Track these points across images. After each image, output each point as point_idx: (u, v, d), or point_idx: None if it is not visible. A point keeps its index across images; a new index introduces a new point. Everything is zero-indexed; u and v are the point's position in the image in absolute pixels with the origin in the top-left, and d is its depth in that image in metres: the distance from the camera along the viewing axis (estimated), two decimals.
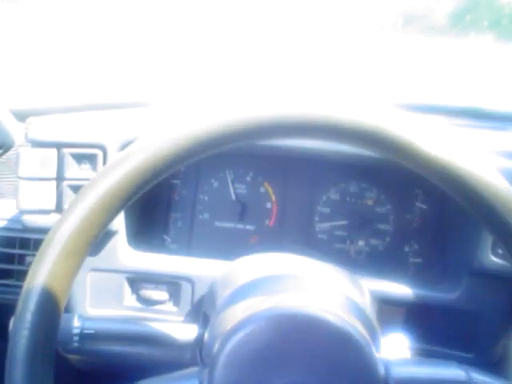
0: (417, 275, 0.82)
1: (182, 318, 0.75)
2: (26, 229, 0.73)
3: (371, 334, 0.54)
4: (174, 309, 0.75)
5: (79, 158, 0.71)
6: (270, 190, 0.86)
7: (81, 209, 0.43)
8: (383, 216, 0.85)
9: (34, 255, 0.44)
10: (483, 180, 0.43)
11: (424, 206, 0.84)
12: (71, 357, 0.65)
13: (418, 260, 0.83)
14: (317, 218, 0.85)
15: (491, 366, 0.73)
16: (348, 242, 0.85)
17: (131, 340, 0.63)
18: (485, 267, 0.70)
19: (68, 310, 0.75)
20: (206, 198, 0.87)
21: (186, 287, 0.75)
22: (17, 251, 0.83)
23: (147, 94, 0.95)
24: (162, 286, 0.76)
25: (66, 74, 1.16)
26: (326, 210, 0.85)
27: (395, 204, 0.84)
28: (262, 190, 0.86)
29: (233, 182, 0.86)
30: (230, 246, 0.85)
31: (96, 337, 0.62)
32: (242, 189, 0.86)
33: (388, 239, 0.84)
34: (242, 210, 0.86)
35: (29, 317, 0.42)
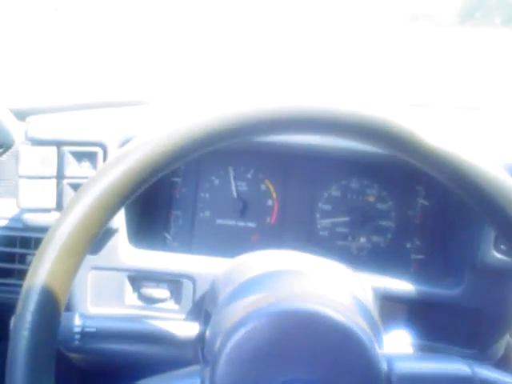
0: (419, 272, 0.82)
1: (183, 316, 0.75)
2: (27, 227, 0.73)
3: (373, 331, 0.54)
4: (176, 307, 0.75)
5: (79, 156, 0.71)
6: (271, 188, 0.86)
7: (80, 207, 0.43)
8: (385, 212, 0.84)
9: (34, 254, 0.44)
10: (485, 174, 0.43)
11: (426, 203, 0.84)
12: (73, 355, 0.65)
13: (420, 256, 0.83)
14: (318, 215, 0.85)
15: (494, 362, 0.73)
16: (350, 239, 0.85)
17: (132, 338, 0.63)
18: (487, 263, 0.70)
19: (69, 308, 0.75)
20: (207, 195, 0.87)
21: (187, 285, 0.74)
22: (17, 250, 0.83)
23: (146, 92, 0.95)
24: (163, 283, 0.76)
25: (65, 73, 1.16)
26: (328, 207, 0.85)
27: (397, 200, 0.84)
28: (263, 187, 0.86)
29: (234, 179, 0.86)
30: (231, 244, 0.85)
31: (97, 335, 0.62)
32: (242, 186, 0.86)
33: (390, 236, 0.84)
34: (243, 208, 0.86)
35: (29, 316, 0.42)
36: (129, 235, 0.76)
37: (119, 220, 0.74)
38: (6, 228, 0.83)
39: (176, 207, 0.87)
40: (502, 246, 0.69)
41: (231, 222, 0.86)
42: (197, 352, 0.62)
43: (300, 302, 0.50)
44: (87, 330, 0.62)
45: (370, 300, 0.67)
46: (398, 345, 0.64)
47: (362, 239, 0.85)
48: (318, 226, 0.85)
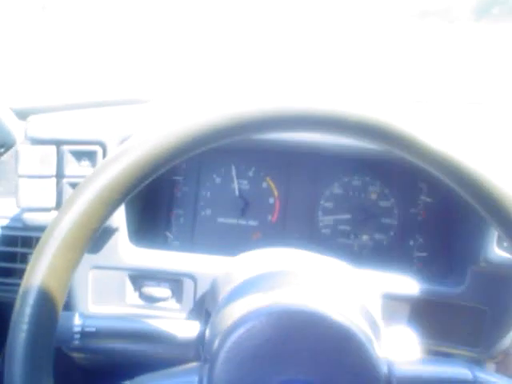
0: (421, 269, 0.82)
1: (184, 315, 0.75)
2: (27, 227, 0.73)
3: (374, 331, 0.53)
4: (177, 306, 0.75)
5: (79, 155, 0.71)
6: (273, 185, 0.86)
7: (80, 202, 0.43)
8: (387, 210, 0.84)
9: None
10: (485, 173, 0.42)
11: (428, 200, 0.83)
12: (74, 355, 0.65)
13: (423, 254, 0.83)
14: (320, 213, 0.85)
15: (497, 360, 0.73)
16: (352, 237, 0.84)
17: (133, 337, 0.63)
18: (490, 260, 0.69)
19: (70, 307, 0.75)
20: (208, 194, 0.86)
21: (188, 284, 0.74)
22: (19, 250, 0.83)
23: (145, 90, 0.95)
24: (164, 283, 0.75)
25: (64, 73, 1.16)
26: (330, 205, 0.85)
27: (399, 198, 0.83)
28: (265, 185, 0.86)
29: (236, 177, 0.85)
30: (233, 243, 0.84)
31: (97, 335, 0.62)
32: (244, 184, 0.86)
33: (392, 233, 0.83)
34: (245, 206, 0.85)
35: (28, 310, 0.42)
36: (130, 234, 0.76)
37: (120, 219, 0.74)
38: (6, 227, 0.83)
39: (177, 206, 0.87)
40: (505, 244, 0.68)
41: (233, 221, 0.86)
42: (197, 351, 0.62)
43: (299, 302, 0.50)
44: (87, 329, 0.62)
45: (371, 299, 0.66)
46: (400, 343, 0.63)
47: (365, 237, 0.84)
48: (320, 224, 0.85)
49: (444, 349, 0.74)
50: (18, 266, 0.84)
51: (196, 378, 0.48)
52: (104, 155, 0.71)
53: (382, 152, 0.61)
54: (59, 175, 0.70)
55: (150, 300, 0.76)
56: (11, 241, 0.83)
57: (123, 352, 0.63)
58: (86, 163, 0.71)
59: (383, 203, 0.84)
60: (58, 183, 0.71)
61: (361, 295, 0.62)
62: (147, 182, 0.45)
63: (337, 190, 0.85)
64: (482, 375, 0.49)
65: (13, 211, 0.83)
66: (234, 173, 0.85)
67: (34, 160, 0.70)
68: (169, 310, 0.75)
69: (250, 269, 0.63)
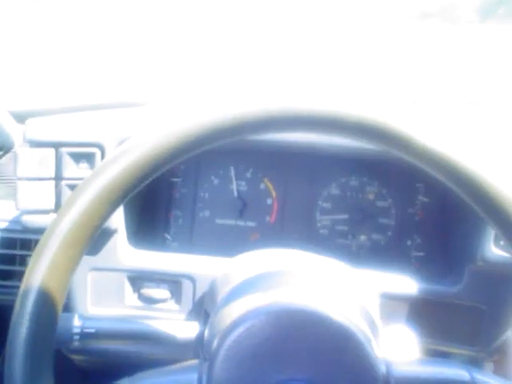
0: (419, 269, 0.82)
1: (183, 316, 0.75)
2: (26, 229, 0.73)
3: (372, 331, 0.54)
4: (176, 307, 0.75)
5: (77, 158, 0.71)
6: (271, 186, 0.86)
7: (80, 203, 0.43)
8: (385, 210, 0.84)
9: None
10: (483, 172, 0.42)
11: (426, 200, 0.83)
12: (74, 357, 0.65)
13: (421, 254, 0.83)
14: (318, 214, 0.85)
15: (494, 359, 0.73)
16: (350, 237, 0.85)
17: (132, 339, 0.63)
18: (487, 259, 0.69)
19: (69, 309, 0.75)
20: (207, 195, 0.87)
21: (187, 285, 0.74)
22: (18, 252, 0.83)
23: (143, 93, 0.95)
24: (163, 284, 0.75)
25: (62, 76, 1.16)
26: (327, 205, 0.85)
27: (397, 198, 0.84)
28: (262, 186, 0.86)
29: (234, 178, 0.86)
30: (231, 244, 0.85)
31: (97, 336, 0.62)
32: (242, 185, 0.86)
33: (390, 233, 0.84)
34: (243, 207, 0.85)
35: (28, 310, 0.42)
36: (128, 236, 0.76)
37: (118, 220, 0.74)
38: (5, 230, 0.83)
39: (175, 207, 0.87)
40: (502, 243, 0.68)
41: (231, 222, 0.86)
42: (197, 352, 0.62)
43: (298, 301, 0.50)
44: (86, 330, 0.62)
45: (370, 299, 0.66)
46: (399, 340, 0.63)
47: (362, 237, 0.84)
48: (318, 225, 0.85)
49: (442, 348, 0.74)
50: (17, 268, 0.84)
51: (195, 376, 0.48)
52: (102, 157, 0.71)
53: (379, 152, 0.62)
54: (58, 177, 0.71)
55: (149, 301, 0.76)
56: (10, 243, 0.83)
57: (123, 353, 0.63)
58: (84, 165, 0.71)
59: (381, 203, 0.84)
60: (57, 185, 0.71)
61: (359, 295, 0.62)
62: (147, 182, 0.45)
63: (334, 190, 0.85)
64: (479, 376, 0.50)
65: (12, 214, 0.84)
66: (232, 174, 0.86)
67: (32, 162, 0.70)
68: (168, 311, 0.75)
69: (249, 269, 0.64)
